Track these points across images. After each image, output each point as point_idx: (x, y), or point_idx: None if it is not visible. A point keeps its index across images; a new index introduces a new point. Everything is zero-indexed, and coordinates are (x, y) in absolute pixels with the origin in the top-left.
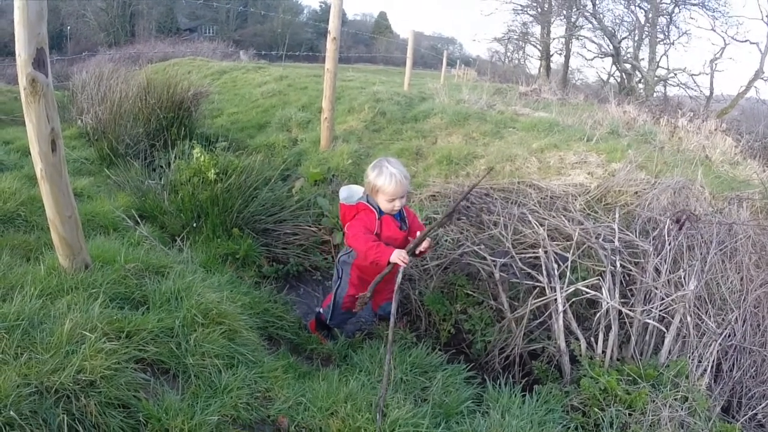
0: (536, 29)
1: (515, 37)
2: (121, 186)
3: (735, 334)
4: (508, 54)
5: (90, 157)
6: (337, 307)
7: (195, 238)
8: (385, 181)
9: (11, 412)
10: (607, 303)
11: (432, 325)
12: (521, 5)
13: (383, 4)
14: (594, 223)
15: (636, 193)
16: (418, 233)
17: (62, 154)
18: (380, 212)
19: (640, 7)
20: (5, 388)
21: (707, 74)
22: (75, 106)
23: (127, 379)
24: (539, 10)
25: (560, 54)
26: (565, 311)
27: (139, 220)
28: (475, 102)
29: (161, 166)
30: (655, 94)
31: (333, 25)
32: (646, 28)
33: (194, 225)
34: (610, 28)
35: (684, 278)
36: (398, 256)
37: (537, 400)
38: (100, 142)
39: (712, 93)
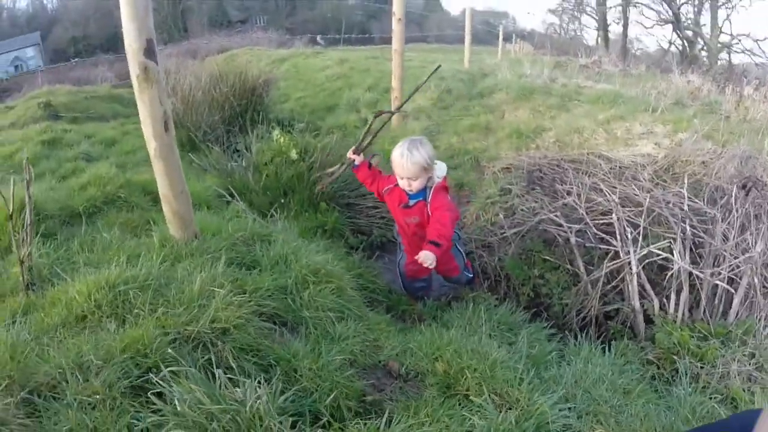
0: None
1: (570, 7)
2: (205, 169)
3: None
4: (564, 26)
5: None
6: (402, 276)
7: (284, 213)
8: (394, 155)
9: (170, 350)
10: (678, 264)
11: (512, 289)
12: None
13: None
14: (663, 191)
15: (703, 162)
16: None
17: (173, 134)
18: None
19: None
20: (147, 337)
21: None
22: None
23: (255, 328)
24: None
25: (618, 23)
26: (638, 273)
27: (233, 196)
28: (537, 76)
29: (238, 150)
30: (719, 62)
31: (397, 7)
32: None
33: (282, 201)
34: None
35: (751, 242)
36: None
37: (615, 354)
38: (178, 131)
39: None
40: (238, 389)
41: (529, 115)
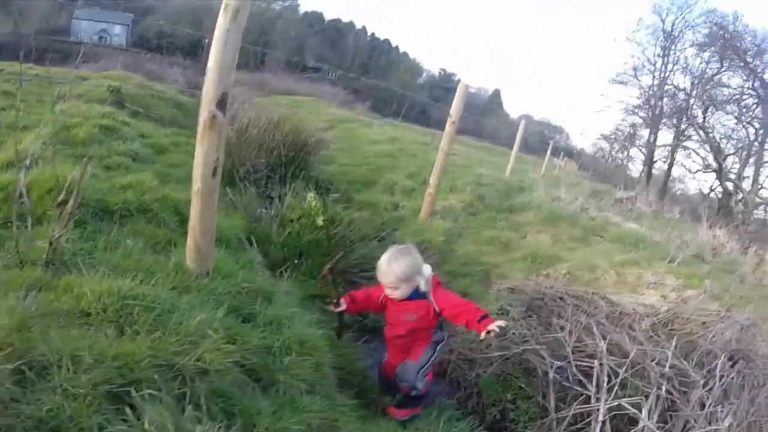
0: (644, 132)
1: (622, 137)
2: (236, 207)
3: None
4: (613, 153)
5: None
6: (380, 372)
7: (293, 274)
8: (380, 261)
9: (155, 376)
10: (644, 423)
11: (481, 407)
12: (633, 106)
13: (499, 81)
14: (653, 346)
15: (704, 323)
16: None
17: (219, 180)
18: None
19: (752, 125)
20: (139, 353)
21: None
22: None
23: (233, 377)
24: (650, 113)
25: (664, 161)
26: (603, 422)
27: (251, 244)
28: (570, 202)
29: (271, 197)
30: (753, 218)
31: (455, 109)
32: (754, 147)
33: (295, 262)
34: (716, 143)
35: (720, 414)
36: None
37: None
38: (225, 158)
39: None
40: (200, 426)
41: (550, 242)
